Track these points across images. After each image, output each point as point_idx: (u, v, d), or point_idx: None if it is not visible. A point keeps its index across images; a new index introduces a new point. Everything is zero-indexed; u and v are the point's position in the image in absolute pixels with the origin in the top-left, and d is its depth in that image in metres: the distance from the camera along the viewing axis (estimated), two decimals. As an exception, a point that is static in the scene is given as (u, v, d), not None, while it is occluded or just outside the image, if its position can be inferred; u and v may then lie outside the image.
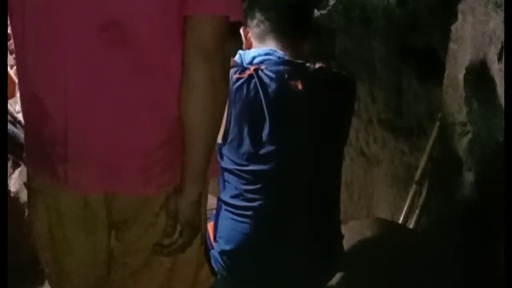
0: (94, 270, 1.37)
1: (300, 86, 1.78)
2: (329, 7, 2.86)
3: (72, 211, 1.29)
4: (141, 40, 1.17)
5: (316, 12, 2.88)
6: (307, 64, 1.82)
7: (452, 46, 2.23)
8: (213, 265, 1.84)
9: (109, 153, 1.22)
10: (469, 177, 2.13)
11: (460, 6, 2.15)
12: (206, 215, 1.40)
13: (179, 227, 1.27)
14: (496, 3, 1.85)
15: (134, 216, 1.30)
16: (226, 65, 1.20)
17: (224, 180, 1.80)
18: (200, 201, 1.27)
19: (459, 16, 2.16)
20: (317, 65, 1.83)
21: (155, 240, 1.29)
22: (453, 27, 2.21)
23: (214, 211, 1.90)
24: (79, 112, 1.20)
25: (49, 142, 1.24)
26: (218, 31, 1.16)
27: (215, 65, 1.16)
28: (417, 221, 2.57)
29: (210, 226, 1.89)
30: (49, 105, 1.21)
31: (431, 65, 2.54)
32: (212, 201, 2.01)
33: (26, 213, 2.34)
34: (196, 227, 1.28)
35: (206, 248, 1.47)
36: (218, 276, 1.85)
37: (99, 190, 1.26)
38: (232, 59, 1.86)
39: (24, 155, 1.36)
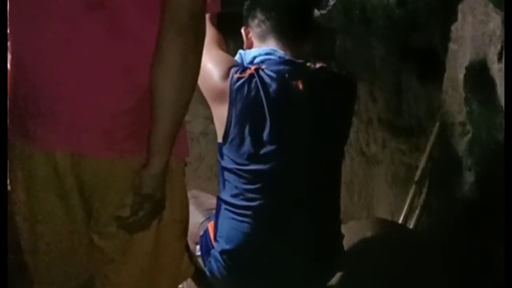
0: (72, 244, 1.36)
1: (300, 86, 1.78)
2: (329, 7, 2.86)
3: (43, 173, 1.30)
4: (119, 5, 1.19)
5: (316, 12, 2.88)
6: (308, 64, 1.82)
7: (452, 46, 2.22)
8: (213, 264, 1.85)
9: (76, 113, 1.25)
10: (469, 177, 2.13)
11: (460, 6, 2.14)
12: (184, 207, 1.40)
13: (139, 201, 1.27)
14: (496, 3, 1.85)
15: (104, 192, 1.30)
16: (199, 41, 1.21)
17: (224, 180, 1.80)
18: (164, 176, 1.26)
19: (459, 16, 2.15)
20: (318, 65, 1.83)
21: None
22: (453, 27, 2.21)
23: (214, 211, 1.90)
24: (51, 69, 1.23)
25: (22, 98, 1.27)
26: (194, 6, 1.18)
27: (188, 40, 1.18)
28: (417, 221, 2.57)
29: (210, 225, 1.89)
30: (26, 61, 1.25)
31: (431, 65, 2.54)
32: (212, 201, 2.02)
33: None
34: (156, 202, 1.28)
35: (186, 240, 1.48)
36: (219, 275, 1.85)
37: (65, 148, 1.27)
38: (231, 58, 1.86)
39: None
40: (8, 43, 1.30)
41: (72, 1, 1.20)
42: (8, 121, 1.33)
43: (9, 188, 1.35)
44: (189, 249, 1.77)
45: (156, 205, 1.28)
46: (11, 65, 1.30)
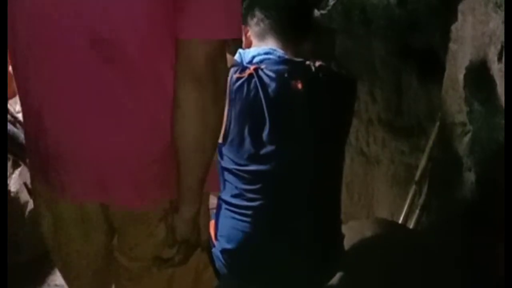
0: (96, 262, 1.42)
1: (300, 86, 1.77)
2: (329, 7, 2.86)
3: (69, 215, 1.33)
4: (130, 57, 1.12)
5: (316, 12, 2.88)
6: (307, 63, 1.82)
7: (452, 46, 2.22)
8: (214, 263, 1.85)
9: (103, 168, 1.22)
10: (469, 177, 2.13)
11: (460, 6, 2.14)
12: (207, 229, 1.39)
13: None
14: (496, 3, 1.85)
15: (133, 225, 1.30)
16: (219, 89, 1.14)
17: (224, 180, 1.80)
18: (197, 219, 1.26)
19: (459, 16, 2.15)
20: (317, 64, 1.82)
21: (153, 249, 1.30)
22: (453, 27, 2.21)
23: (214, 210, 1.90)
24: (72, 127, 1.19)
25: (44, 152, 1.24)
26: (213, 55, 1.10)
27: (205, 91, 1.11)
28: (417, 221, 2.57)
29: (211, 224, 1.89)
30: (43, 116, 1.21)
31: (431, 65, 2.54)
32: (212, 201, 2.02)
33: (27, 213, 2.34)
34: (193, 244, 1.29)
35: (210, 251, 1.47)
36: (220, 274, 1.85)
37: (95, 198, 1.27)
38: (231, 58, 1.86)
39: (24, 155, 1.38)
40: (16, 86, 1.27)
41: (80, 56, 1.13)
42: (29, 160, 1.34)
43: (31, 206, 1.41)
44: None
45: (192, 247, 1.29)
46: (26, 116, 1.27)
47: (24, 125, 1.33)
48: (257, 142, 1.75)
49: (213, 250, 1.85)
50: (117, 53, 1.12)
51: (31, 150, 1.30)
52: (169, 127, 1.17)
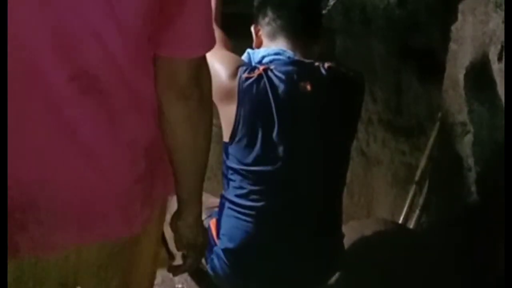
0: None
1: (309, 88, 1.77)
2: (329, 7, 2.86)
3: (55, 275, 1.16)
4: (112, 88, 1.07)
5: (316, 12, 2.88)
6: (316, 64, 1.81)
7: (452, 46, 2.22)
8: (216, 262, 1.85)
9: (89, 205, 1.11)
10: (469, 177, 2.13)
11: (460, 6, 2.14)
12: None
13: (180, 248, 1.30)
14: (496, 3, 1.85)
15: (129, 258, 1.22)
16: (204, 94, 1.13)
17: (229, 179, 1.80)
18: (199, 221, 1.27)
19: (459, 16, 2.15)
20: (326, 65, 1.82)
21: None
22: (453, 27, 2.21)
23: (215, 209, 1.90)
24: (51, 171, 1.07)
25: (16, 208, 1.07)
26: (194, 70, 1.09)
27: (191, 101, 1.11)
28: (417, 221, 2.57)
29: (212, 223, 1.89)
30: (14, 165, 1.04)
31: (431, 65, 2.54)
32: (212, 200, 2.01)
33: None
34: (200, 247, 1.30)
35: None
36: (221, 273, 1.85)
37: (79, 241, 1.14)
38: (238, 57, 1.85)
39: None
40: None
41: (59, 90, 1.03)
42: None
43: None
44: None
45: (201, 249, 1.31)
46: None
47: None
48: (265, 143, 1.75)
49: (215, 248, 1.85)
50: (97, 86, 1.06)
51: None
52: (147, 146, 1.14)
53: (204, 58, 1.11)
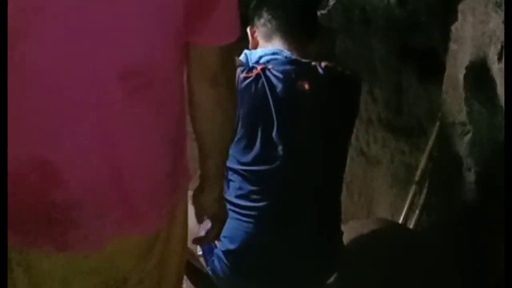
0: None
1: (306, 86, 1.78)
2: (329, 7, 2.86)
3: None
4: (159, 84, 1.12)
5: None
6: (313, 63, 1.82)
7: (452, 46, 2.22)
8: (217, 263, 1.85)
9: (132, 201, 1.15)
10: (469, 177, 2.13)
11: (460, 6, 2.14)
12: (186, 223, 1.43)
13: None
14: (496, 3, 1.85)
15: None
16: (232, 83, 1.23)
17: (229, 180, 1.80)
18: (222, 195, 1.41)
19: (459, 16, 2.15)
20: (323, 64, 1.82)
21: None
22: (453, 27, 2.21)
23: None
24: (98, 173, 1.10)
25: (57, 208, 1.09)
26: (225, 58, 1.17)
27: (222, 88, 1.19)
28: (417, 221, 2.57)
29: (212, 224, 1.89)
30: (58, 166, 1.07)
31: (431, 65, 2.54)
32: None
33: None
34: (223, 218, 1.44)
35: None
36: (222, 274, 1.85)
37: (118, 233, 1.17)
38: (237, 59, 1.86)
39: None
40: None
41: (108, 91, 1.06)
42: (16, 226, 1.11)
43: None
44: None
45: (222, 221, 1.45)
46: (23, 165, 1.07)
47: (15, 180, 1.08)
48: (264, 143, 1.75)
49: (216, 250, 1.85)
50: (146, 83, 1.10)
51: (24, 209, 1.11)
52: (176, 135, 1.21)
53: (232, 46, 1.17)
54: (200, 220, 1.46)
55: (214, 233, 1.46)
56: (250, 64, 1.82)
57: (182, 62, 1.16)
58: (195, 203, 1.41)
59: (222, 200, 1.43)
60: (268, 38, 1.87)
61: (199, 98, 1.19)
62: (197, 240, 1.50)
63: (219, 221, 1.44)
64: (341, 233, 1.94)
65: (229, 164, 1.79)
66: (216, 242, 1.85)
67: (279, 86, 1.75)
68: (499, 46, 1.85)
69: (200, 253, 1.94)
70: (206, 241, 1.51)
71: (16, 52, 0.99)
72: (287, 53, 1.82)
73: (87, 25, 1.02)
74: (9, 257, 1.12)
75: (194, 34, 1.12)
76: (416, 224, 2.57)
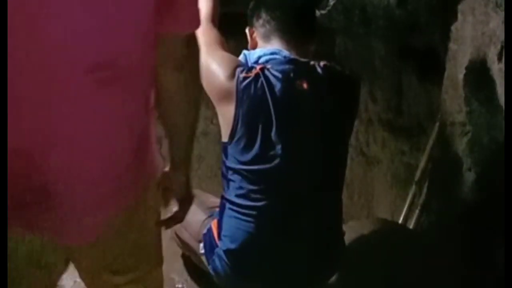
0: None
1: (305, 86, 1.78)
2: (329, 7, 2.86)
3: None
4: (129, 76, 1.15)
5: (316, 12, 2.88)
6: (312, 63, 1.82)
7: (452, 46, 2.22)
8: (218, 263, 1.85)
9: (96, 193, 1.21)
10: (469, 177, 2.13)
11: (460, 6, 2.15)
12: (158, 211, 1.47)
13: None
14: (496, 3, 1.85)
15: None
16: (195, 65, 1.29)
17: (229, 179, 1.80)
18: (189, 180, 1.44)
19: (459, 16, 2.16)
20: (322, 64, 1.83)
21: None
22: (453, 27, 2.21)
23: (216, 209, 1.90)
24: (65, 159, 1.15)
25: (29, 191, 1.16)
26: (187, 44, 1.23)
27: (186, 73, 1.25)
28: (417, 221, 2.58)
29: (213, 224, 1.89)
30: (30, 151, 1.13)
31: (431, 65, 2.54)
32: (213, 200, 2.02)
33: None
34: (190, 200, 1.47)
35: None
36: (223, 273, 1.86)
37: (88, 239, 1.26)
38: (236, 58, 1.86)
39: None
40: None
41: (76, 82, 1.09)
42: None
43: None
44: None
45: (188, 204, 1.47)
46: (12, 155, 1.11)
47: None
48: (264, 142, 1.75)
49: (216, 250, 1.85)
50: (116, 75, 1.13)
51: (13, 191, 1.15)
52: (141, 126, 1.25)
53: (194, 34, 1.25)
54: (166, 203, 1.48)
55: (181, 214, 1.48)
56: (249, 64, 1.83)
57: (152, 55, 1.19)
58: (162, 185, 1.41)
59: (190, 182, 1.45)
60: (266, 38, 1.87)
61: (165, 82, 1.25)
62: (163, 222, 1.45)
63: (187, 203, 1.47)
64: (343, 233, 1.94)
65: (229, 163, 1.79)
66: (217, 241, 1.85)
67: (278, 86, 1.75)
68: (499, 46, 1.85)
69: (202, 251, 1.94)
70: (172, 223, 1.47)
71: None
72: (286, 52, 1.82)
73: (54, 18, 1.04)
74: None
75: (159, 24, 1.17)
76: (416, 224, 2.57)
